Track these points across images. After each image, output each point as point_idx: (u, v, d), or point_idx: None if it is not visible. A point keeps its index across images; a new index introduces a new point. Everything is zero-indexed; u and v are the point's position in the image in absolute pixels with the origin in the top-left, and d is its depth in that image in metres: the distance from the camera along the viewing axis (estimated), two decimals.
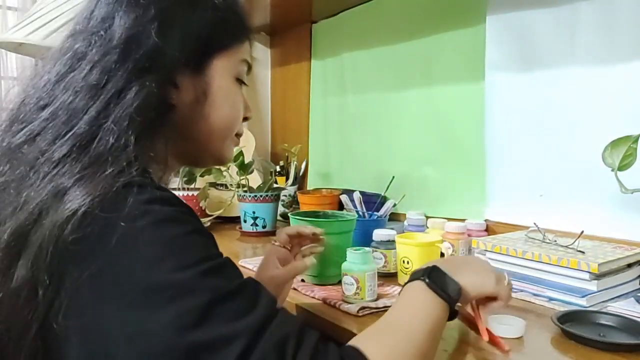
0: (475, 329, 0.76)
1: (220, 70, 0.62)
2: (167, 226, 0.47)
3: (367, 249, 0.89)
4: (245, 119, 0.69)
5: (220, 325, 0.43)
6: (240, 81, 0.66)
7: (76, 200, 0.45)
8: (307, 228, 0.91)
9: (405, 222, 1.31)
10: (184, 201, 0.53)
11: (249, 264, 1.09)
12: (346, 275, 0.87)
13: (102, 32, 0.55)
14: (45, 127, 0.52)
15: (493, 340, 0.71)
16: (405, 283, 0.64)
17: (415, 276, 0.63)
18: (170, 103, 0.57)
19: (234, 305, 0.45)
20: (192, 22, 0.58)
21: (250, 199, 1.47)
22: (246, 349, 0.43)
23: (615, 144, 0.92)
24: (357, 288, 0.86)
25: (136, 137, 0.51)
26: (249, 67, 0.67)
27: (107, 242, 0.44)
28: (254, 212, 1.48)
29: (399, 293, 0.64)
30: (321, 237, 0.90)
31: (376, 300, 0.87)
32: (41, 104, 0.54)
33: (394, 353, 0.51)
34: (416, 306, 0.59)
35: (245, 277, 0.51)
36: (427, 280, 0.61)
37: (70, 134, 0.50)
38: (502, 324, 0.73)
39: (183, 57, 0.57)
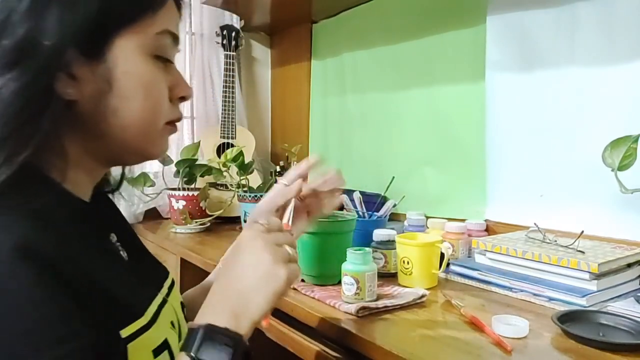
0: (477, 328, 0.76)
1: (126, 51, 0.51)
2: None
3: (367, 249, 0.89)
4: (182, 99, 0.59)
5: None
6: (161, 59, 0.55)
7: None
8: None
9: (405, 222, 1.31)
10: (84, 206, 0.54)
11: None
12: (346, 275, 0.87)
13: None
14: None
15: (496, 340, 0.71)
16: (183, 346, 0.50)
17: (187, 340, 0.50)
18: (65, 98, 0.50)
19: None
20: (72, 1, 0.48)
21: (250, 199, 1.47)
22: None
23: (615, 144, 0.92)
24: (357, 288, 0.86)
25: (10, 135, 0.46)
26: (175, 38, 0.56)
27: None
28: None
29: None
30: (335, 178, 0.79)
31: (376, 300, 0.87)
32: None
33: None
34: None
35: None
36: (193, 356, 0.48)
37: None
38: (506, 324, 0.73)
39: (69, 41, 0.48)
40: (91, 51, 0.50)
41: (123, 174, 0.70)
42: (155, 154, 0.59)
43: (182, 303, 0.71)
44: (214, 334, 0.49)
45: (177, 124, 0.61)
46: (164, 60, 0.56)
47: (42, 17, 0.47)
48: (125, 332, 0.50)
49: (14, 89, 0.46)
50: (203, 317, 0.52)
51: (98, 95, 0.51)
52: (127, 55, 0.52)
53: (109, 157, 0.57)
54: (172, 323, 0.61)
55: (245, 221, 1.49)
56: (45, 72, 0.48)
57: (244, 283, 0.54)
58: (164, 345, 0.55)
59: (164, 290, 0.65)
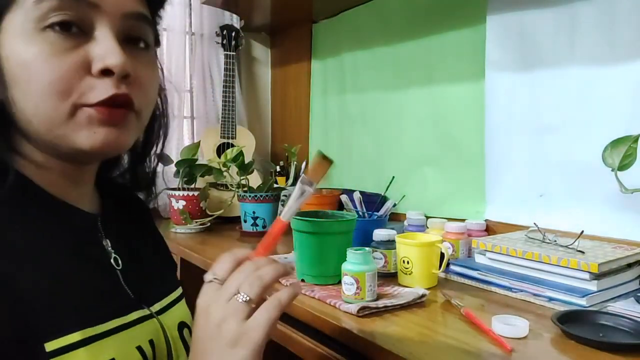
0: (477, 328, 0.76)
1: (10, 35, 0.46)
2: None
3: (367, 249, 0.89)
4: (105, 72, 0.47)
5: None
6: (60, 26, 0.46)
7: None
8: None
9: (405, 222, 1.31)
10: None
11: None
12: (346, 275, 0.87)
13: None
14: None
15: (496, 340, 0.71)
16: None
17: None
18: None
19: None
20: None
21: (250, 199, 1.47)
22: None
23: (615, 144, 0.92)
24: (357, 288, 0.86)
25: None
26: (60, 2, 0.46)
27: None
28: (254, 212, 1.48)
29: None
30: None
31: (376, 300, 0.87)
32: None
33: None
34: None
35: None
36: None
37: None
38: (505, 324, 0.73)
39: None
40: None
41: (155, 173, 0.66)
42: (82, 145, 0.48)
43: (183, 323, 0.64)
44: None
45: (143, 109, 0.53)
46: (66, 29, 0.46)
47: None
48: (50, 346, 0.45)
49: None
50: None
51: (3, 90, 0.47)
52: (10, 39, 0.46)
53: (54, 154, 0.51)
54: (150, 341, 0.56)
55: (245, 221, 1.49)
56: None
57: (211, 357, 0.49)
58: None
59: (157, 306, 0.60)
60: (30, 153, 0.51)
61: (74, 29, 0.47)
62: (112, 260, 0.58)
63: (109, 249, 0.58)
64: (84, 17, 0.47)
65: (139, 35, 0.52)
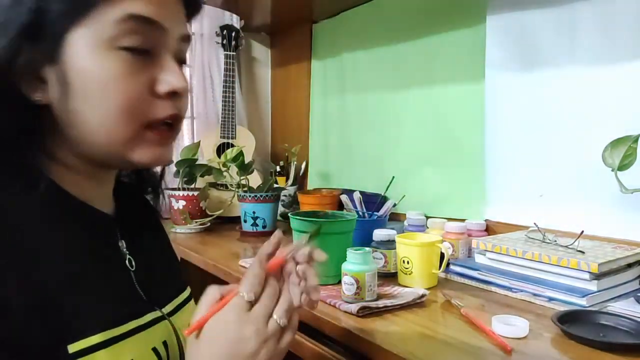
0: (477, 328, 0.76)
1: (79, 48, 0.46)
2: None
3: (367, 249, 0.89)
4: (172, 94, 0.50)
5: None
6: (133, 49, 0.48)
7: None
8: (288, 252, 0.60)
9: (405, 222, 1.31)
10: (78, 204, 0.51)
11: (249, 264, 1.09)
12: (346, 275, 0.87)
13: None
14: None
15: (496, 340, 0.71)
16: None
17: None
18: (35, 101, 0.48)
19: None
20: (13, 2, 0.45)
21: (250, 199, 1.47)
22: None
23: (615, 144, 0.92)
24: (357, 288, 0.86)
25: None
26: (144, 20, 0.48)
27: None
28: (254, 212, 1.48)
29: None
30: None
31: (376, 300, 0.87)
32: None
33: None
34: None
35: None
36: None
37: None
38: (505, 324, 0.73)
39: (19, 41, 0.45)
40: (49, 51, 0.46)
41: (163, 173, 0.68)
42: (139, 161, 0.51)
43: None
44: None
45: (181, 126, 0.55)
46: (139, 52, 0.48)
47: None
48: (73, 348, 0.46)
49: None
50: None
51: (61, 98, 0.48)
52: (80, 52, 0.47)
53: (97, 161, 0.53)
54: (164, 343, 0.56)
55: (245, 221, 1.49)
56: (14, 78, 0.46)
57: None
58: None
59: (169, 307, 0.61)
60: (63, 156, 0.52)
61: (143, 52, 0.49)
62: (126, 262, 0.58)
63: (124, 250, 0.59)
64: (153, 40, 0.50)
65: (185, 55, 0.56)
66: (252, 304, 0.51)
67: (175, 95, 0.51)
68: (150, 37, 0.49)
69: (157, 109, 0.50)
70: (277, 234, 0.60)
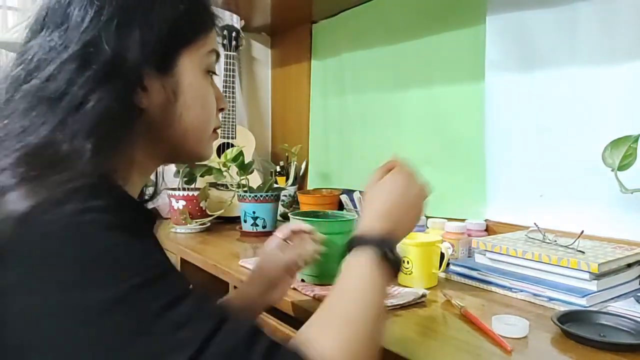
0: (477, 328, 0.76)
1: (189, 66, 0.58)
2: (100, 238, 0.43)
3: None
4: (220, 110, 0.66)
5: (163, 336, 0.40)
6: (210, 73, 0.63)
7: (16, 201, 0.43)
8: (309, 227, 0.91)
9: None
10: (142, 207, 0.58)
11: (249, 264, 1.09)
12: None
13: (56, 37, 0.51)
14: (3, 135, 0.49)
15: (496, 340, 0.71)
16: (351, 242, 0.60)
17: (365, 242, 0.59)
18: (139, 107, 0.54)
19: (175, 316, 0.42)
20: (152, 19, 0.54)
21: (250, 199, 1.47)
22: (195, 355, 0.40)
23: (615, 144, 0.92)
24: None
25: (96, 146, 0.48)
26: (218, 56, 0.64)
27: (32, 251, 0.42)
28: (254, 212, 1.48)
29: (345, 264, 0.59)
30: (319, 239, 0.90)
31: None
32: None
33: (349, 346, 0.49)
34: (370, 285, 0.56)
35: (188, 285, 0.48)
36: (381, 254, 0.58)
37: (21, 145, 0.47)
38: (506, 324, 0.73)
39: (147, 58, 0.53)
40: (162, 66, 0.56)
41: (157, 182, 0.73)
42: (206, 156, 0.65)
43: None
44: (392, 242, 0.61)
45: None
46: (211, 74, 0.63)
47: (127, 38, 0.52)
48: None
49: (105, 105, 0.50)
50: (373, 227, 0.63)
51: (166, 104, 0.57)
52: (189, 69, 0.58)
53: (165, 158, 0.64)
54: None
55: (245, 221, 1.49)
56: (130, 87, 0.53)
57: (411, 214, 0.69)
58: None
59: None
60: (139, 157, 0.58)
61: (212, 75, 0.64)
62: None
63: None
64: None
65: None
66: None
67: (222, 111, 0.68)
68: (215, 67, 0.64)
69: (216, 120, 0.66)
70: None
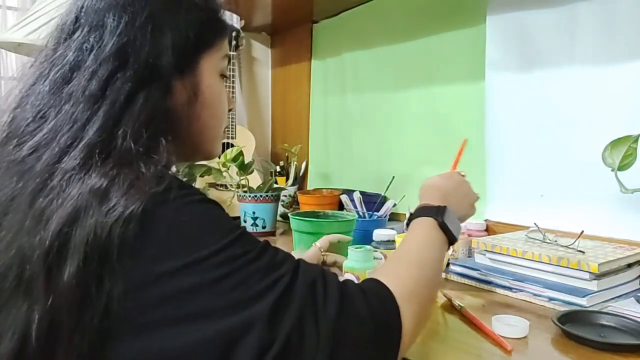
0: (477, 328, 0.76)
1: (208, 68, 0.62)
2: (202, 209, 0.51)
3: (368, 247, 0.89)
4: (229, 110, 0.70)
5: (262, 278, 0.48)
6: (223, 76, 0.67)
7: (126, 200, 0.47)
8: (346, 238, 1.00)
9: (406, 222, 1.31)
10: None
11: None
12: (347, 273, 0.87)
13: (92, 40, 0.55)
14: (50, 139, 0.52)
15: (496, 340, 0.71)
16: (412, 215, 0.70)
17: (426, 212, 0.70)
18: (166, 107, 0.58)
19: (265, 261, 0.50)
20: (179, 24, 0.58)
21: (250, 199, 1.47)
22: (284, 291, 0.48)
23: (615, 144, 0.92)
24: None
25: (152, 140, 0.53)
26: (229, 60, 0.69)
27: (158, 231, 0.47)
28: (254, 213, 1.48)
29: (407, 225, 0.71)
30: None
31: None
32: (39, 116, 0.54)
33: (408, 281, 0.58)
34: (429, 244, 0.66)
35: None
36: (440, 220, 0.68)
37: (81, 143, 0.50)
38: (506, 324, 0.73)
39: (176, 59, 0.57)
40: (186, 67, 0.59)
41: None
42: (216, 153, 0.69)
43: None
44: (451, 214, 0.70)
45: None
46: (224, 77, 0.67)
47: (160, 41, 0.56)
48: None
49: (153, 103, 0.54)
50: (433, 201, 0.73)
51: (187, 104, 0.60)
52: (208, 71, 0.62)
53: (182, 156, 0.67)
54: None
55: (245, 221, 1.49)
56: (166, 87, 0.56)
57: (463, 203, 0.79)
58: None
59: None
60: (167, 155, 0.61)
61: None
62: None
63: None
64: None
65: None
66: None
67: (229, 112, 0.71)
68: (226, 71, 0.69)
69: (226, 119, 0.69)
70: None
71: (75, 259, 0.45)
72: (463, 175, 0.86)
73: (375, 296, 0.53)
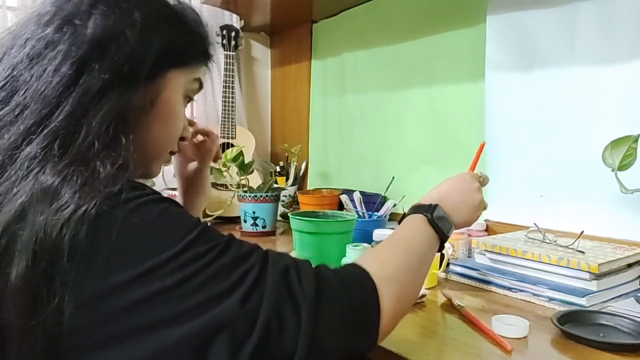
0: (477, 328, 0.76)
1: (173, 83, 0.61)
2: (158, 210, 0.49)
3: (365, 245, 0.89)
4: (182, 139, 0.69)
5: (228, 274, 0.47)
6: (188, 98, 0.67)
7: (79, 198, 0.45)
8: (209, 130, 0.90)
9: None
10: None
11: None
12: None
13: (77, 23, 0.54)
14: (15, 116, 0.50)
15: (496, 340, 0.71)
16: (405, 214, 0.70)
17: (417, 210, 0.69)
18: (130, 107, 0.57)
19: (231, 256, 0.49)
20: (164, 34, 0.58)
21: (250, 199, 1.47)
22: (255, 282, 0.48)
23: (615, 144, 0.92)
24: None
25: (114, 137, 0.52)
26: (201, 86, 0.68)
27: (110, 236, 0.45)
28: (254, 212, 1.48)
29: (399, 222, 0.70)
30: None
31: None
32: (7, 89, 0.52)
33: (388, 264, 0.58)
34: (415, 235, 0.65)
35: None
36: (429, 216, 0.67)
37: (46, 130, 0.49)
38: (505, 324, 0.73)
39: (150, 66, 0.57)
40: (151, 73, 0.58)
41: None
42: (153, 174, 0.67)
43: None
44: (441, 212, 0.69)
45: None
46: (189, 100, 0.67)
47: (146, 45, 0.56)
48: None
49: (124, 100, 0.53)
50: (430, 200, 0.71)
51: (140, 110, 0.58)
52: (172, 86, 0.61)
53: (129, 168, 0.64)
54: None
55: (245, 221, 1.49)
56: (137, 86, 0.56)
57: (465, 207, 0.76)
58: None
59: None
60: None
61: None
62: None
63: None
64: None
65: None
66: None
67: (182, 140, 0.70)
68: (193, 96, 0.68)
69: (175, 144, 0.67)
70: None
71: (23, 257, 0.44)
72: (481, 179, 0.83)
73: (349, 276, 0.54)
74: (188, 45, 0.62)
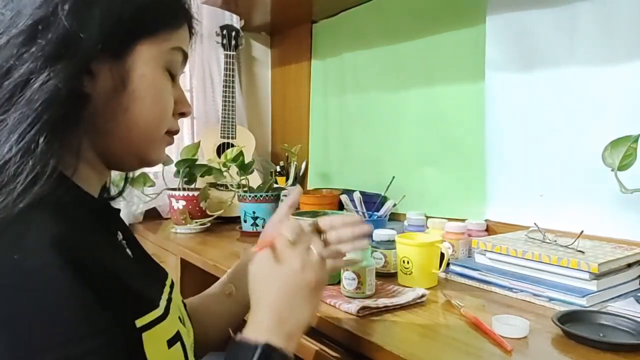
0: (477, 329, 0.76)
1: (145, 57, 0.55)
2: (21, 298, 0.41)
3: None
4: (182, 114, 0.63)
5: None
6: (170, 73, 0.59)
7: None
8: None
9: (405, 222, 1.31)
10: (98, 204, 0.57)
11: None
12: (347, 271, 0.88)
13: (5, 9, 0.49)
14: None
15: (496, 340, 0.71)
16: (235, 346, 0.54)
17: (248, 348, 0.53)
18: (85, 93, 0.51)
19: None
20: (113, 2, 0.51)
21: (250, 199, 1.47)
22: None
23: (615, 144, 0.92)
24: (358, 283, 0.87)
25: (44, 138, 0.46)
26: (185, 56, 0.60)
27: None
28: (254, 212, 1.48)
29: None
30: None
31: (375, 294, 0.88)
32: None
33: None
34: None
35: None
36: None
37: None
38: (506, 324, 0.73)
39: (102, 39, 0.50)
40: (114, 51, 0.53)
41: (127, 178, 0.72)
42: (153, 160, 0.61)
43: (183, 302, 0.73)
44: (272, 354, 0.53)
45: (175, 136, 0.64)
46: (172, 75, 0.59)
47: (84, 16, 0.49)
48: (140, 322, 0.51)
49: (52, 86, 0.47)
50: (257, 334, 0.54)
51: (111, 92, 0.53)
52: (144, 60, 0.55)
53: (111, 157, 0.58)
54: (179, 318, 0.63)
55: (245, 221, 1.49)
56: (80, 68, 0.50)
57: (291, 301, 0.57)
58: (177, 337, 0.58)
59: (167, 288, 0.66)
60: (84, 150, 0.54)
61: (173, 77, 0.60)
62: (127, 250, 0.63)
63: (122, 240, 0.64)
64: (180, 70, 0.61)
65: None
66: (293, 243, 0.61)
67: (183, 116, 0.63)
68: (180, 68, 0.61)
69: (173, 123, 0.61)
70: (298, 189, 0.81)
71: None
72: (311, 227, 0.69)
73: None
74: (149, 11, 0.54)
